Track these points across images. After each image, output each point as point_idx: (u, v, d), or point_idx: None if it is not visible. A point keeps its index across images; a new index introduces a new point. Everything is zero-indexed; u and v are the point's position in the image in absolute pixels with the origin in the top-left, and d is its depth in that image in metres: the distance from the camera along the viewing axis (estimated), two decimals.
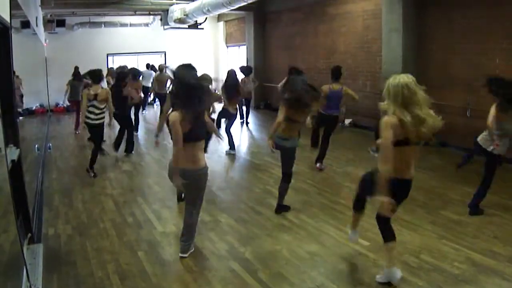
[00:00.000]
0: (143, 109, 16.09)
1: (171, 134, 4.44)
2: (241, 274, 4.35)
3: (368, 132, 11.12)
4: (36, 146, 8.97)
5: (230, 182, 7.76)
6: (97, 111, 7.80)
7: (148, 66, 16.69)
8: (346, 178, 7.47)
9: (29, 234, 4.83)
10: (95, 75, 8.07)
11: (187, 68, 4.61)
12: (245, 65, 15.51)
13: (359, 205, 4.62)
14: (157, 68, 15.21)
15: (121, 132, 9.59)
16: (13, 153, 4.48)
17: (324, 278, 4.23)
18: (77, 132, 12.21)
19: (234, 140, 9.66)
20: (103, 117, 7.98)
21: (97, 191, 7.19)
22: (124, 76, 9.59)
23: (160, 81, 13.95)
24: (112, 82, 12.54)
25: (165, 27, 17.60)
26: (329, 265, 4.52)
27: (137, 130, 12.06)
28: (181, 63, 4.84)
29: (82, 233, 5.47)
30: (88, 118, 7.83)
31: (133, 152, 9.65)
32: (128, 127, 9.63)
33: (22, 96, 11.00)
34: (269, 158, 8.76)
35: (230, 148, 9.56)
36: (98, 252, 4.89)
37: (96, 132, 8.09)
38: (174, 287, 4.17)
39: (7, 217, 3.92)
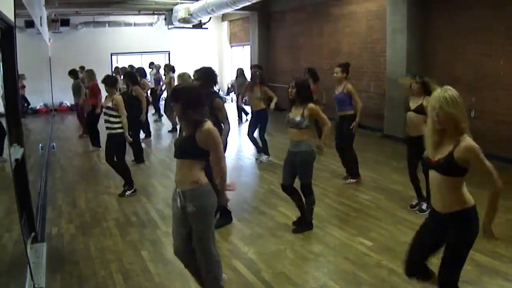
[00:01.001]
0: (159, 114, 14.86)
1: (198, 151, 3.51)
2: (244, 274, 4.35)
3: (372, 133, 11.11)
4: (40, 145, 9.00)
5: (234, 182, 7.74)
6: None
7: (152, 65, 16.57)
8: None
9: (33, 233, 4.85)
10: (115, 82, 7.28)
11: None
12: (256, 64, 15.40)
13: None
14: (163, 68, 14.92)
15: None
16: (17, 152, 4.49)
17: (328, 279, 4.23)
18: (84, 135, 11.97)
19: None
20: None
21: (100, 190, 7.20)
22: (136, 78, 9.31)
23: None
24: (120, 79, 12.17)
25: (169, 26, 17.64)
26: (333, 266, 4.51)
27: (150, 135, 11.70)
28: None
29: (85, 232, 5.48)
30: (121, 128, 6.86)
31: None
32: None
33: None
34: (273, 158, 8.76)
35: (259, 153, 9.14)
36: (101, 252, 4.90)
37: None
38: (177, 287, 4.17)
39: (11, 216, 3.94)
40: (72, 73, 12.23)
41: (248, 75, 12.29)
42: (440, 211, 3.21)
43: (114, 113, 6.74)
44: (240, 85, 15.10)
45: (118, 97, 6.86)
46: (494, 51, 8.41)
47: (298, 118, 5.14)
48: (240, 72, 14.89)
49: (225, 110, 5.53)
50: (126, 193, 6.87)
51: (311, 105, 5.13)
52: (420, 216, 5.68)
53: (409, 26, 9.94)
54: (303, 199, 5.40)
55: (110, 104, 6.78)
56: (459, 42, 9.19)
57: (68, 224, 5.79)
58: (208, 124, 3.51)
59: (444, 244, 3.26)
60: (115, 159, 6.97)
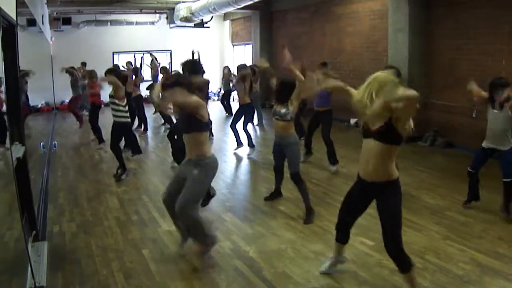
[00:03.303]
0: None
1: (198, 123, 4.36)
2: (245, 273, 4.35)
3: None
4: (42, 143, 9.01)
5: (235, 180, 7.76)
6: None
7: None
8: (350, 178, 7.44)
9: (34, 232, 4.85)
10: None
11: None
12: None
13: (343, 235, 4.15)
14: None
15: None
16: (18, 151, 4.49)
17: (329, 278, 4.22)
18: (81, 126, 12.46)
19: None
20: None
21: (102, 189, 7.20)
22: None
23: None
24: None
25: (171, 25, 17.64)
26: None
27: (147, 129, 12.09)
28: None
29: (86, 230, 5.48)
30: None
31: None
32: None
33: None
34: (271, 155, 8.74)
35: (238, 146, 9.62)
36: (103, 250, 4.90)
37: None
38: (178, 286, 4.17)
39: (12, 214, 3.94)
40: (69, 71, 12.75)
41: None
42: (368, 179, 3.58)
43: (117, 101, 7.44)
44: (225, 84, 15.29)
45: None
46: (497, 51, 8.40)
47: (283, 110, 5.62)
48: (227, 71, 15.12)
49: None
50: (122, 177, 7.55)
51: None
52: (421, 216, 5.69)
53: (411, 26, 9.92)
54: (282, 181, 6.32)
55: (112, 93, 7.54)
56: (461, 42, 9.19)
57: (69, 222, 5.79)
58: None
59: (365, 208, 3.85)
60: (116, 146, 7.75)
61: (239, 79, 9.45)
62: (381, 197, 3.59)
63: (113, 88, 7.55)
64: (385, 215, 3.58)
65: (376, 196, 3.63)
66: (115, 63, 17.95)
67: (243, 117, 9.46)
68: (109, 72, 7.75)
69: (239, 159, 9.19)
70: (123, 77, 9.04)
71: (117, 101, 7.47)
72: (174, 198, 4.43)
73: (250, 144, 9.31)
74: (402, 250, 3.56)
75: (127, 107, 7.61)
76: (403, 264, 3.59)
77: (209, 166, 4.42)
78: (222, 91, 15.91)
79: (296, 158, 5.79)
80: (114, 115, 7.60)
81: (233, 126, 9.51)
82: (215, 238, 4.59)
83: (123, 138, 8.63)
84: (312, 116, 8.28)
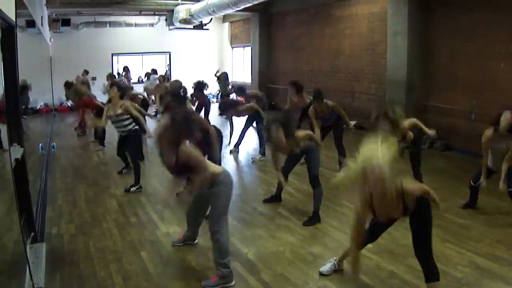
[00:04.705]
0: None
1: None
2: (243, 275, 4.35)
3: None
4: (40, 145, 9.00)
5: (234, 182, 7.73)
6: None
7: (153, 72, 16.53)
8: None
9: (33, 233, 4.85)
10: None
11: None
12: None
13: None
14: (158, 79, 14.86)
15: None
16: (17, 152, 4.49)
17: (327, 280, 4.23)
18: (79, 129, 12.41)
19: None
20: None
21: (100, 190, 7.19)
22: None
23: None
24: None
25: (170, 27, 17.62)
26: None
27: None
28: None
29: (85, 232, 5.47)
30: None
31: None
32: None
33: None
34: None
35: (235, 147, 9.65)
36: (101, 252, 4.90)
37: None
38: (176, 287, 4.17)
39: (11, 215, 3.93)
40: (68, 85, 12.63)
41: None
42: None
43: (123, 117, 7.07)
44: (223, 87, 15.34)
45: (126, 103, 7.19)
46: (496, 53, 8.40)
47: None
48: (224, 77, 15.15)
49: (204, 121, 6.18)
50: (132, 189, 7.06)
51: (297, 135, 5.57)
52: None
53: (410, 29, 9.93)
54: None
55: (119, 112, 7.05)
56: (461, 44, 9.19)
57: (68, 224, 5.78)
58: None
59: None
60: (127, 155, 7.66)
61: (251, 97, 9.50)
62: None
63: (121, 106, 7.09)
64: (414, 234, 3.66)
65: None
66: (114, 65, 17.95)
67: (254, 122, 9.36)
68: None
69: (237, 160, 9.19)
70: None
71: (123, 118, 7.09)
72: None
73: (261, 150, 9.19)
74: (431, 258, 3.56)
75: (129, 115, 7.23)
76: (430, 273, 3.57)
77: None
78: (220, 93, 15.92)
79: (316, 161, 5.85)
80: (121, 131, 7.26)
81: (243, 131, 9.50)
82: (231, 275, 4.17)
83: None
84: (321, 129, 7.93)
